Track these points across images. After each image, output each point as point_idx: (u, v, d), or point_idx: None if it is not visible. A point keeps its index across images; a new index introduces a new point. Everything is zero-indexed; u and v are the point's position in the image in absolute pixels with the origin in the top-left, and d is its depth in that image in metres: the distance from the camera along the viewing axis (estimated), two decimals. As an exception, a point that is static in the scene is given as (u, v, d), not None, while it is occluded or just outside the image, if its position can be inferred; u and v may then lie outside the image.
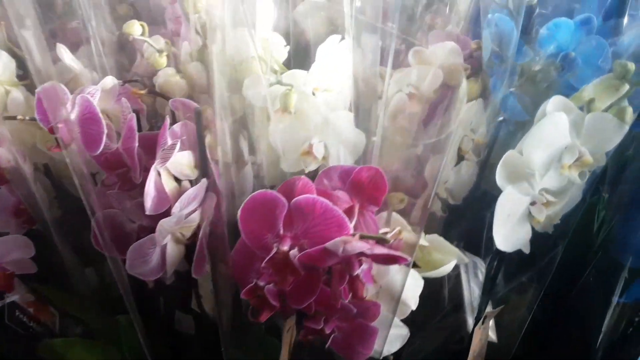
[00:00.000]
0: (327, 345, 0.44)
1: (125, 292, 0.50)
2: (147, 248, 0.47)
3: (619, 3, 0.53)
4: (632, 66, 0.46)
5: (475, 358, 0.60)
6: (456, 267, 0.53)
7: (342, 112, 0.51)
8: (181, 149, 0.50)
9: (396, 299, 0.43)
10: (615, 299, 0.56)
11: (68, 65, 0.56)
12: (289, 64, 0.58)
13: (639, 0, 0.53)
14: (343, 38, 0.51)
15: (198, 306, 0.59)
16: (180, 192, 0.49)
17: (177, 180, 0.50)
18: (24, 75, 0.59)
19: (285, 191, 0.38)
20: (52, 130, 0.49)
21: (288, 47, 0.56)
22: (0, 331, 0.59)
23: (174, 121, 0.52)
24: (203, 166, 0.50)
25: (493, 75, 0.51)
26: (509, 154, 0.47)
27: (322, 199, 0.36)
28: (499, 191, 0.49)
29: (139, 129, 0.54)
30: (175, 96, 0.54)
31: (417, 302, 0.45)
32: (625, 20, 0.55)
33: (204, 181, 0.49)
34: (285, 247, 0.36)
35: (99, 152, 0.49)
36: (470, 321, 0.64)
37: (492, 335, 0.66)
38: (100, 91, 0.51)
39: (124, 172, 0.51)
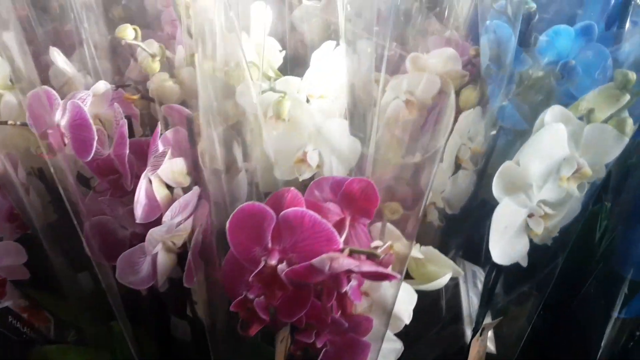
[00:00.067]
0: (319, 360, 0.43)
1: (114, 299, 0.49)
2: (137, 257, 0.47)
3: (621, 9, 0.52)
4: (633, 76, 0.45)
5: (473, 370, 0.59)
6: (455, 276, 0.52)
7: (336, 120, 0.50)
8: (173, 156, 0.50)
9: (388, 313, 0.42)
10: (614, 314, 0.55)
11: (61, 68, 0.56)
12: (285, 69, 0.57)
13: (642, 7, 0.52)
14: (338, 44, 0.50)
15: (192, 312, 0.59)
16: (172, 200, 0.48)
17: (170, 187, 0.50)
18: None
19: (273, 203, 0.37)
20: (43, 136, 0.48)
21: (284, 52, 0.55)
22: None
23: (166, 127, 0.52)
24: (195, 173, 0.49)
25: (491, 83, 0.50)
26: (506, 165, 0.46)
27: (310, 212, 0.35)
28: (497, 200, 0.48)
29: (132, 134, 0.54)
30: (169, 101, 0.53)
31: (411, 316, 0.45)
32: (628, 26, 0.54)
33: (195, 189, 0.49)
34: (273, 262, 0.36)
35: (89, 158, 0.48)
36: (468, 332, 0.63)
37: (491, 347, 0.65)
38: (92, 96, 0.51)
39: (116, 179, 0.50)
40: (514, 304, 0.63)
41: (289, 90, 0.48)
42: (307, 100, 0.51)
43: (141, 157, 0.49)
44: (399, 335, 0.48)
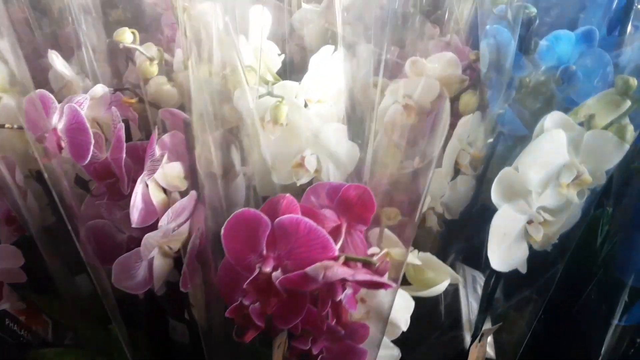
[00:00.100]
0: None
1: (109, 302, 0.49)
2: (133, 262, 0.46)
3: (622, 14, 0.52)
4: (634, 82, 0.44)
5: (472, 376, 0.59)
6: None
7: (335, 125, 0.49)
8: (170, 160, 0.49)
9: (385, 320, 0.42)
10: (615, 322, 0.55)
11: (59, 71, 0.56)
12: (284, 73, 0.57)
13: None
14: (337, 49, 0.49)
15: (189, 315, 0.58)
16: (169, 204, 0.48)
17: (167, 191, 0.50)
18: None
19: (269, 210, 0.37)
20: (39, 140, 0.48)
21: (283, 56, 0.55)
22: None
23: (164, 131, 0.51)
24: (193, 177, 0.49)
25: (491, 88, 0.50)
26: (505, 172, 0.45)
27: (306, 219, 0.35)
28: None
29: (130, 138, 0.53)
30: (167, 105, 0.53)
31: (408, 323, 0.44)
32: (630, 30, 0.53)
33: (192, 193, 0.48)
34: (268, 269, 0.35)
35: (86, 162, 0.48)
36: (468, 338, 0.62)
37: (491, 352, 0.64)
38: (90, 99, 0.50)
39: (113, 182, 0.50)
40: (514, 309, 0.63)
41: (286, 94, 0.48)
42: (305, 105, 0.50)
43: (138, 161, 0.49)
44: (397, 341, 0.47)
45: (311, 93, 0.50)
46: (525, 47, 0.50)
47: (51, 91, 0.60)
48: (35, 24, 0.61)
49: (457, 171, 0.54)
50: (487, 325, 0.62)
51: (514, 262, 0.48)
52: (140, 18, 0.61)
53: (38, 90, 0.48)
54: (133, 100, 0.52)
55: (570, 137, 0.44)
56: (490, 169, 0.53)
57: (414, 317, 0.46)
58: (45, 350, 0.61)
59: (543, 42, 0.49)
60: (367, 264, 0.36)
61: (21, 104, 0.48)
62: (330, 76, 0.50)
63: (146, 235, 0.45)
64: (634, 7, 0.51)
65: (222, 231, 0.38)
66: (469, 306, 0.64)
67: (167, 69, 0.56)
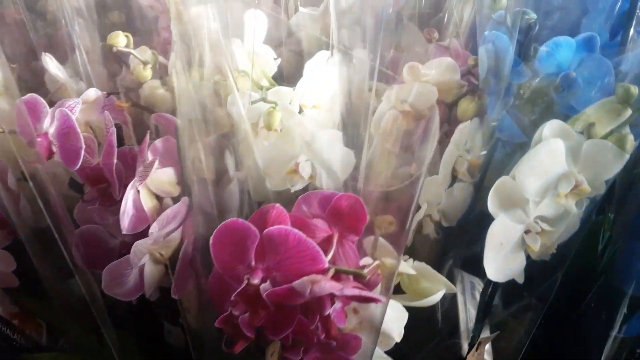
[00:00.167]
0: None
1: (97, 308, 0.49)
2: (124, 269, 0.46)
3: (625, 19, 0.51)
4: (635, 90, 0.43)
5: (469, 385, 0.58)
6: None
7: (330, 131, 0.49)
8: (163, 165, 0.49)
9: (377, 330, 0.41)
10: (613, 334, 0.54)
11: (53, 74, 0.55)
12: (281, 77, 0.56)
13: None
14: (332, 54, 0.49)
15: (184, 320, 0.58)
16: (161, 210, 0.48)
17: (159, 197, 0.49)
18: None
19: (257, 220, 0.36)
20: (30, 144, 0.48)
21: (279, 60, 0.54)
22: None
23: (157, 136, 0.51)
24: (185, 183, 0.48)
25: (489, 94, 0.49)
26: (502, 181, 0.44)
27: (295, 230, 0.34)
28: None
29: (123, 142, 0.53)
30: (160, 109, 0.52)
31: (402, 334, 0.43)
32: (632, 35, 0.52)
33: (185, 199, 0.48)
34: (256, 281, 0.35)
35: (77, 167, 0.48)
36: (465, 346, 0.62)
37: (489, 360, 0.63)
38: (82, 103, 0.50)
39: (105, 188, 0.50)
40: (513, 317, 0.62)
41: (280, 100, 0.47)
42: (301, 110, 0.50)
43: (131, 166, 0.49)
44: (393, 350, 0.46)
45: (306, 98, 0.49)
46: (524, 53, 0.49)
47: (47, 93, 0.60)
48: (31, 25, 0.61)
49: (454, 178, 0.53)
50: (485, 333, 0.62)
51: (511, 272, 0.47)
52: (136, 21, 0.60)
53: (29, 94, 0.48)
54: (126, 105, 0.51)
55: (568, 146, 0.44)
56: (489, 176, 0.52)
57: (410, 325, 0.46)
58: (37, 355, 0.61)
59: (543, 49, 0.48)
60: (358, 277, 0.35)
61: (13, 107, 0.48)
62: (325, 81, 0.49)
63: (136, 243, 0.44)
64: (637, 13, 0.50)
65: (211, 240, 0.37)
66: (467, 313, 0.63)
67: (162, 73, 0.55)
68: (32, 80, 0.62)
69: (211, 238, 0.37)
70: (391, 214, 0.45)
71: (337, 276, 0.35)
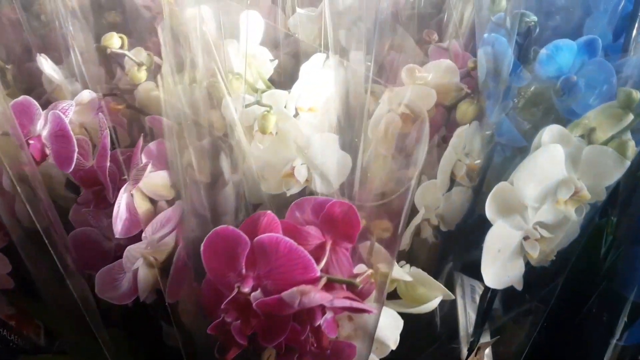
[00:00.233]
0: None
1: (89, 310, 0.48)
2: (116, 273, 0.46)
3: (628, 21, 0.50)
4: (636, 95, 0.42)
5: (469, 390, 0.57)
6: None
7: (326, 134, 0.48)
8: (157, 168, 0.48)
9: (371, 337, 0.40)
10: (614, 341, 0.53)
11: (48, 75, 0.55)
12: (279, 79, 0.56)
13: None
14: (329, 57, 0.48)
15: (177, 325, 0.57)
16: (154, 214, 0.47)
17: (153, 201, 0.49)
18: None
19: (248, 228, 0.35)
20: (22, 147, 0.47)
21: (276, 62, 0.53)
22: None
23: (152, 138, 0.50)
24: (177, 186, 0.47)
25: (489, 97, 0.48)
26: (500, 186, 0.44)
27: (286, 238, 0.33)
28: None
29: (118, 144, 0.52)
30: (155, 112, 0.52)
31: (397, 342, 0.43)
32: (635, 36, 0.51)
33: (178, 202, 0.47)
34: (247, 289, 0.34)
35: (70, 169, 0.47)
36: (465, 351, 0.61)
37: (489, 365, 0.63)
38: (76, 105, 0.50)
39: (99, 190, 0.49)
40: (513, 322, 0.61)
41: (275, 103, 0.47)
42: (297, 113, 0.49)
43: (125, 168, 0.48)
44: (392, 355, 0.46)
45: (302, 101, 0.48)
46: (524, 56, 0.48)
47: (44, 93, 0.59)
48: (27, 25, 0.60)
49: (453, 182, 0.52)
50: (485, 337, 0.61)
51: (509, 279, 0.46)
52: (132, 22, 0.60)
53: (22, 96, 0.47)
54: (121, 107, 0.51)
55: (568, 152, 0.43)
56: (488, 180, 0.51)
57: (409, 329, 0.45)
58: (36, 356, 0.61)
59: (543, 52, 0.47)
60: (351, 286, 0.34)
61: (7, 109, 0.47)
62: (322, 84, 0.48)
63: (128, 247, 0.44)
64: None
65: (202, 247, 0.36)
66: (467, 317, 0.62)
67: (157, 74, 0.54)
68: (29, 80, 0.62)
69: (202, 244, 0.36)
70: (386, 218, 0.44)
71: (329, 285, 0.34)
